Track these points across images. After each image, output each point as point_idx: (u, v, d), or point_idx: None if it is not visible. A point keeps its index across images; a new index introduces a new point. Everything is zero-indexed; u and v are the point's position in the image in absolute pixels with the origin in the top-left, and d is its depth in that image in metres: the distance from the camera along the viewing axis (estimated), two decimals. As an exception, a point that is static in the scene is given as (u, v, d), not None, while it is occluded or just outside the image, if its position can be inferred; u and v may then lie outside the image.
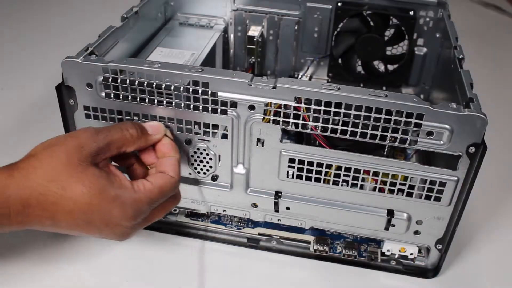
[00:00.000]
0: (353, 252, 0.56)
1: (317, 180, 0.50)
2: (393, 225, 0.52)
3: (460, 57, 0.55)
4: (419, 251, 0.55)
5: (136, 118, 0.50)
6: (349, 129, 0.46)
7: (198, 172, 0.53)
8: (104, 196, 0.41)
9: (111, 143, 0.44)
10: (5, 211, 0.40)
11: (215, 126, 0.49)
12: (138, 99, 0.48)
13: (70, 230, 0.43)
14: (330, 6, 0.72)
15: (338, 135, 0.47)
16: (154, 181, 0.45)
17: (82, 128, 0.44)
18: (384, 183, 0.49)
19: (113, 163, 0.46)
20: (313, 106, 0.46)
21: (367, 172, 0.49)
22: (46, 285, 0.53)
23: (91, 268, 0.55)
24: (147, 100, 0.48)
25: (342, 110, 0.45)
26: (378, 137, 0.46)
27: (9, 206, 0.40)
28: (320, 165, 0.49)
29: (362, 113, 0.45)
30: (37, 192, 0.40)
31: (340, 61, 0.75)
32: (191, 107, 0.48)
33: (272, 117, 0.47)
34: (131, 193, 0.43)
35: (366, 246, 0.56)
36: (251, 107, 0.47)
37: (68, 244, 0.57)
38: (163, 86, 0.47)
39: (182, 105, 0.48)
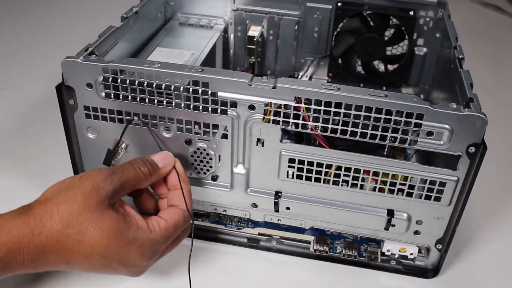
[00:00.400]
0: (353, 252, 0.56)
1: (317, 180, 0.50)
2: (393, 225, 0.52)
3: (460, 57, 0.55)
4: (419, 251, 0.55)
5: (136, 118, 0.50)
6: (349, 129, 0.46)
7: (198, 172, 0.53)
8: (122, 240, 0.41)
9: (126, 183, 0.44)
10: (19, 259, 0.39)
11: (215, 126, 0.49)
12: (138, 99, 0.48)
13: (84, 271, 0.43)
14: (330, 6, 0.72)
15: (338, 135, 0.47)
16: (169, 218, 0.45)
17: (96, 169, 0.43)
18: (384, 183, 0.49)
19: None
20: (313, 106, 0.46)
21: (367, 172, 0.49)
22: None
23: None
24: (147, 100, 0.48)
25: (342, 110, 0.45)
26: (378, 137, 0.46)
27: (23, 254, 0.39)
28: (320, 165, 0.49)
29: (362, 113, 0.45)
30: (53, 239, 0.40)
31: (340, 61, 0.75)
32: (191, 107, 0.48)
33: (272, 117, 0.47)
34: (148, 234, 0.43)
35: (366, 246, 0.56)
36: (251, 107, 0.47)
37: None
38: (163, 86, 0.47)
39: (182, 105, 0.48)
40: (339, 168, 0.49)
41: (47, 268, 0.42)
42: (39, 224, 0.40)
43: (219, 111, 0.48)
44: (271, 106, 0.46)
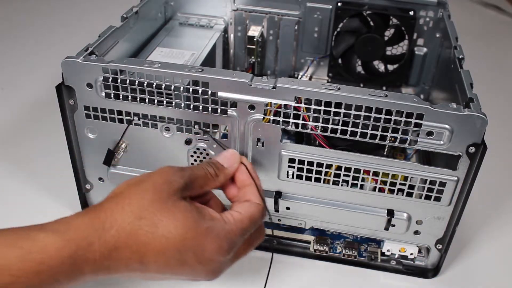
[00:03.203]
0: (353, 252, 0.56)
1: (317, 180, 0.50)
2: (393, 225, 0.52)
3: (460, 57, 0.55)
4: (419, 251, 0.55)
5: (136, 118, 0.50)
6: (349, 129, 0.46)
7: (198, 172, 0.53)
8: (198, 230, 0.39)
9: (196, 181, 0.42)
10: (90, 256, 0.37)
11: (215, 126, 0.49)
12: (138, 99, 0.48)
13: (159, 273, 0.40)
14: (330, 6, 0.72)
15: (338, 135, 0.47)
16: (243, 211, 0.42)
17: (166, 166, 0.42)
18: (384, 183, 0.49)
19: None
20: (313, 106, 0.46)
21: (367, 172, 0.49)
22: None
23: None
24: (147, 100, 0.48)
25: (342, 110, 0.45)
26: (378, 137, 0.46)
27: (94, 250, 0.37)
28: (320, 165, 0.49)
29: (362, 113, 0.45)
30: (125, 233, 0.38)
31: (340, 61, 0.75)
32: (191, 107, 0.48)
33: (272, 117, 0.47)
34: (223, 225, 0.40)
35: (366, 246, 0.56)
36: (251, 107, 0.47)
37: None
38: (163, 86, 0.47)
39: (182, 105, 0.48)
40: (339, 168, 0.49)
41: (120, 270, 0.39)
42: (110, 218, 0.38)
43: (219, 111, 0.48)
44: (271, 106, 0.46)
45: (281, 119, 0.47)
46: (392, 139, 0.46)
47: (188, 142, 0.51)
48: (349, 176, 0.49)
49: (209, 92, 0.47)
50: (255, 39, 0.74)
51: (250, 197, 0.44)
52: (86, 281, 0.38)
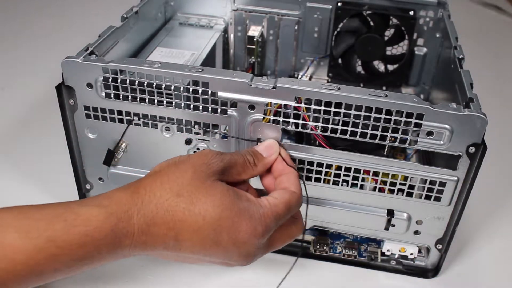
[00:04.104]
0: (353, 252, 0.56)
1: (317, 180, 0.50)
2: (393, 225, 0.52)
3: (460, 57, 0.55)
4: (419, 251, 0.55)
5: (136, 118, 0.50)
6: (349, 129, 0.46)
7: (198, 172, 0.53)
8: (234, 209, 0.39)
9: (234, 166, 0.43)
10: (129, 230, 0.38)
11: (215, 126, 0.49)
12: (138, 99, 0.49)
13: (193, 253, 0.40)
14: (330, 6, 0.72)
15: (338, 135, 0.47)
16: (279, 196, 0.43)
17: (205, 149, 0.43)
18: (384, 183, 0.49)
19: None
20: (313, 106, 0.46)
21: (367, 172, 0.49)
22: None
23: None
24: (147, 100, 0.48)
25: (342, 110, 0.45)
26: (378, 137, 0.46)
27: (133, 224, 0.38)
28: (320, 165, 0.49)
29: (362, 113, 0.45)
30: (163, 209, 0.39)
31: (340, 61, 0.75)
32: (191, 107, 0.48)
33: (272, 117, 0.47)
34: (258, 208, 0.41)
35: (366, 246, 0.56)
36: (251, 107, 0.47)
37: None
38: (163, 86, 0.47)
39: (182, 105, 0.48)
40: (339, 168, 0.49)
41: (156, 247, 0.39)
42: (149, 193, 0.39)
43: (219, 111, 0.48)
44: (271, 106, 0.46)
45: (281, 119, 0.47)
46: (392, 139, 0.46)
47: (188, 142, 0.51)
48: (349, 176, 0.49)
49: (209, 92, 0.47)
50: (255, 39, 0.74)
51: (286, 185, 0.45)
52: (124, 256, 0.39)
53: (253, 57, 0.75)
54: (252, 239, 0.40)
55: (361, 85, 0.76)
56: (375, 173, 0.49)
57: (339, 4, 0.71)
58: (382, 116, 0.45)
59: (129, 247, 0.39)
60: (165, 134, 0.51)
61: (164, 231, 0.39)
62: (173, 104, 0.48)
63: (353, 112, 0.45)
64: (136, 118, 0.50)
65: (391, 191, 0.50)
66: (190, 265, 0.46)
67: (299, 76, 0.79)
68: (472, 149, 0.45)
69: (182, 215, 0.39)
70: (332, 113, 0.45)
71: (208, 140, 0.50)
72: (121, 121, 0.51)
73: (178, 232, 0.39)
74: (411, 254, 0.54)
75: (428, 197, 0.49)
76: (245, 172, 0.44)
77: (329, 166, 0.49)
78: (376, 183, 0.49)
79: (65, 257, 0.37)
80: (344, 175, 0.49)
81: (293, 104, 0.46)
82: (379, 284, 0.56)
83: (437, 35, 0.70)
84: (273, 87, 0.46)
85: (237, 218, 0.39)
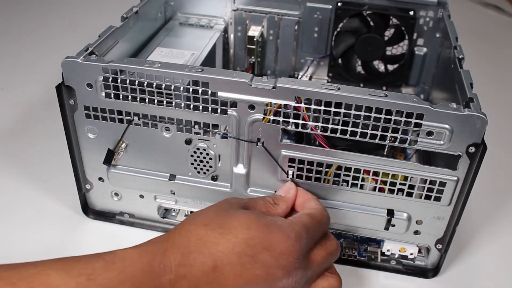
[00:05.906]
0: (353, 252, 0.56)
1: (317, 180, 0.50)
2: (393, 225, 0.52)
3: (460, 57, 0.55)
4: (419, 251, 0.55)
5: (136, 118, 0.50)
6: (349, 129, 0.46)
7: (198, 172, 0.53)
8: (262, 222, 0.42)
9: (254, 207, 0.46)
10: (166, 263, 0.39)
11: (215, 126, 0.49)
12: (138, 99, 0.49)
13: (235, 278, 0.40)
14: (330, 6, 0.72)
15: (338, 135, 0.47)
16: (302, 212, 0.46)
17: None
18: (384, 183, 0.49)
19: None
20: (313, 106, 0.46)
21: (367, 172, 0.49)
22: None
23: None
24: (147, 100, 0.48)
25: (342, 110, 0.45)
26: (378, 137, 0.46)
27: (168, 256, 0.39)
28: (320, 165, 0.49)
29: (362, 113, 0.45)
30: (195, 238, 0.40)
31: (340, 61, 0.75)
32: (191, 107, 0.48)
33: (272, 117, 0.47)
34: (284, 220, 0.44)
35: (366, 246, 0.56)
36: (251, 107, 0.47)
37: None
38: (163, 86, 0.47)
39: (182, 105, 0.48)
40: (339, 168, 0.49)
41: (198, 283, 0.39)
42: (179, 229, 0.42)
43: (219, 111, 0.48)
44: (271, 106, 0.46)
45: (281, 119, 0.47)
46: (392, 139, 0.46)
47: (188, 142, 0.51)
48: (349, 176, 0.49)
49: (209, 92, 0.47)
50: (255, 39, 0.74)
51: (309, 205, 0.48)
52: None
53: (253, 57, 0.75)
54: (288, 247, 0.41)
55: (361, 85, 0.76)
56: (375, 173, 0.49)
57: (339, 4, 0.71)
58: (382, 116, 0.45)
59: (169, 283, 0.39)
60: (165, 134, 0.51)
61: (201, 259, 0.39)
62: (173, 104, 0.48)
63: (353, 112, 0.45)
64: (136, 118, 0.50)
65: (391, 191, 0.50)
66: None
67: (299, 76, 0.79)
68: (472, 149, 0.45)
69: (214, 239, 0.40)
70: (332, 113, 0.45)
71: (208, 140, 0.50)
72: (121, 121, 0.51)
73: (215, 258, 0.39)
74: (411, 254, 0.54)
75: (428, 197, 0.49)
76: (268, 212, 0.46)
77: (329, 166, 0.49)
78: (376, 183, 0.49)
79: None
80: (344, 175, 0.49)
81: (293, 104, 0.46)
82: (379, 284, 0.55)
83: (437, 35, 0.70)
84: (273, 87, 0.46)
85: (266, 229, 0.41)
